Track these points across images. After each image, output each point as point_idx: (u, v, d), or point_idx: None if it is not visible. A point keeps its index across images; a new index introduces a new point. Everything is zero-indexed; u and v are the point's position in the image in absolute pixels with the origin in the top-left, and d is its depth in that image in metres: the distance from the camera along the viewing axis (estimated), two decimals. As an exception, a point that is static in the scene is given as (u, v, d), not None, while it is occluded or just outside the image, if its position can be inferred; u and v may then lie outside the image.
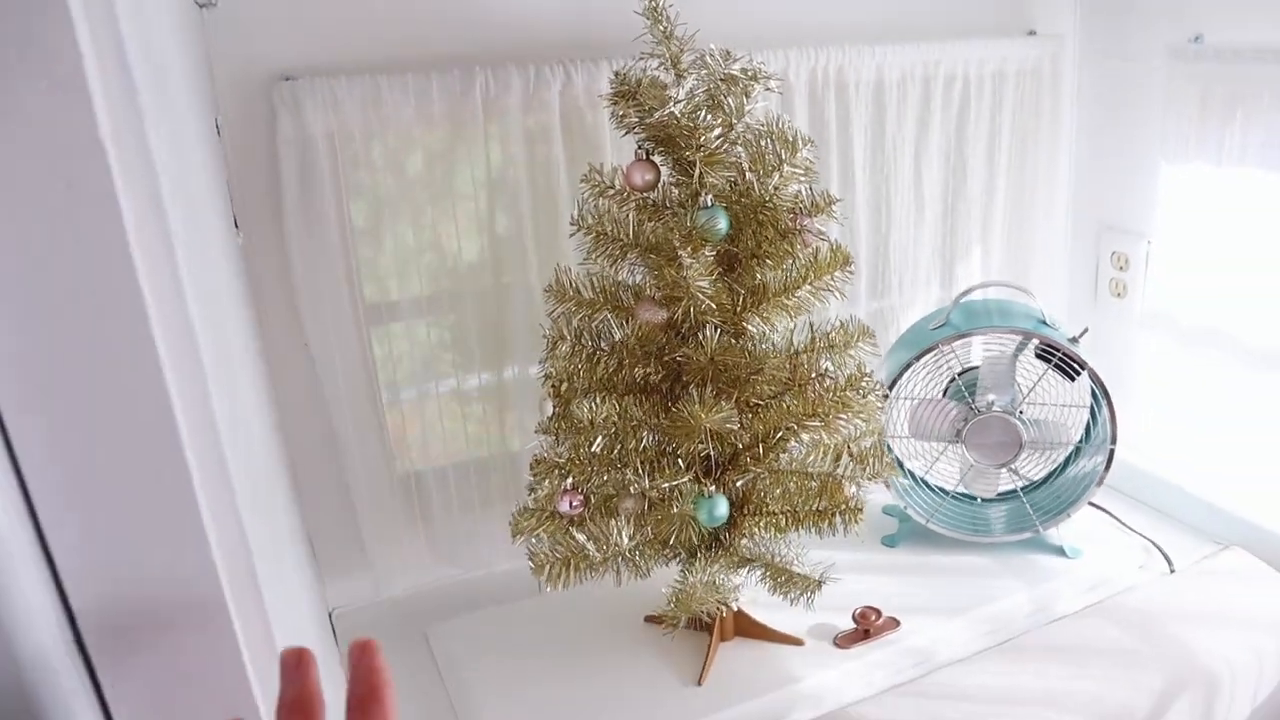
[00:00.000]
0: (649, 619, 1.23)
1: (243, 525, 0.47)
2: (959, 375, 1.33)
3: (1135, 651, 1.16)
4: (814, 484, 1.02)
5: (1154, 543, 1.39)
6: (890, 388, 1.30)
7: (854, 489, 1.01)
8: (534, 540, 1.04)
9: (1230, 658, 1.16)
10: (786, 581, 1.03)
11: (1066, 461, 1.39)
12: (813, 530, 1.03)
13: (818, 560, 1.06)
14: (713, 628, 1.17)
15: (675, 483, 0.98)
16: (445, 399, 1.30)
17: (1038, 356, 1.29)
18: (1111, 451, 1.31)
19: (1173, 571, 1.33)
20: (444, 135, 1.19)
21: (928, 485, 1.42)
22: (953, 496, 1.40)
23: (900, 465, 1.38)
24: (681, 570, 1.03)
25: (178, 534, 0.40)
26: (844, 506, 1.00)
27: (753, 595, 1.20)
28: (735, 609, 1.18)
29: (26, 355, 0.35)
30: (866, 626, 1.18)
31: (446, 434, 1.32)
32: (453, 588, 1.36)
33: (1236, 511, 1.40)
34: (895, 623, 1.20)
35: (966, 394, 1.32)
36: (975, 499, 1.41)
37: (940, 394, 1.34)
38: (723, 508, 0.98)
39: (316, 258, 1.16)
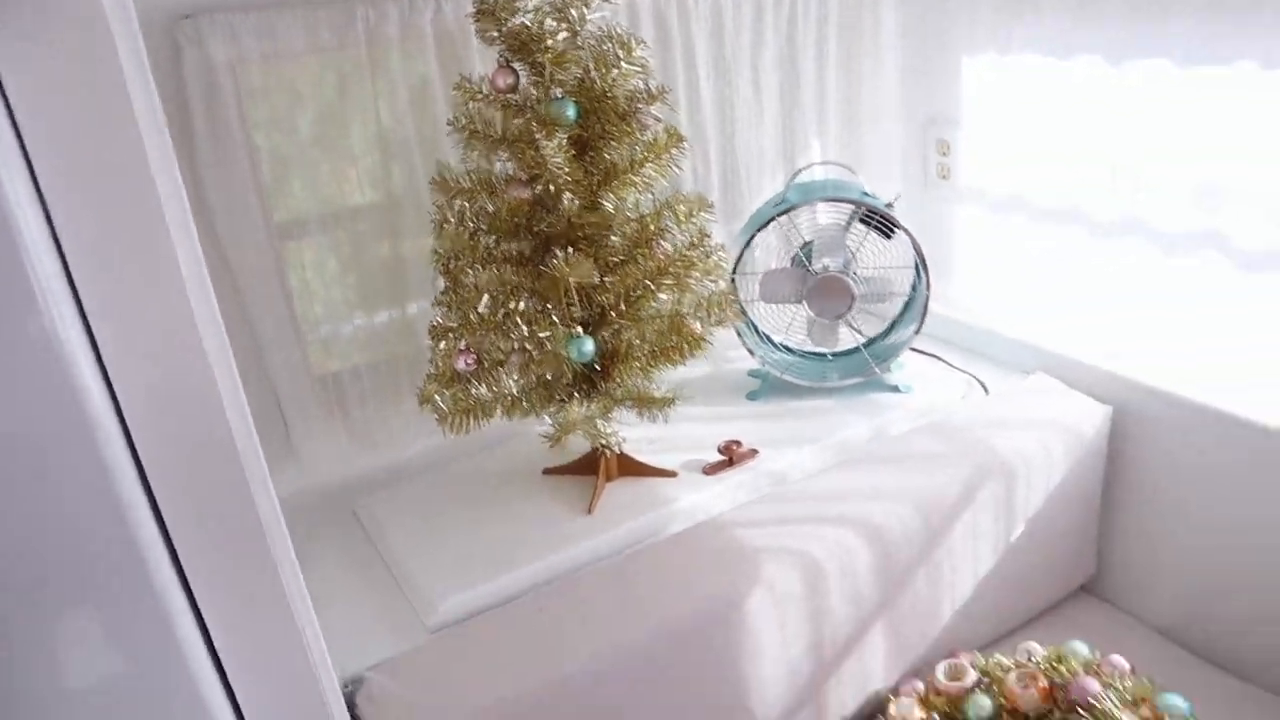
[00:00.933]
0: (547, 471, 1.43)
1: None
2: (801, 249, 1.56)
3: (949, 454, 1.40)
4: (665, 323, 1.22)
5: (974, 376, 1.64)
6: (742, 261, 1.52)
7: (698, 325, 1.22)
8: (438, 400, 1.23)
9: (1025, 452, 1.42)
10: (649, 404, 1.24)
11: (898, 319, 1.63)
12: (668, 363, 1.24)
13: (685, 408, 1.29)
14: (598, 469, 1.37)
15: (548, 334, 1.17)
16: (353, 303, 1.47)
17: (861, 222, 1.52)
18: (927, 299, 1.55)
19: (987, 394, 1.59)
20: (334, 63, 1.35)
21: (787, 348, 1.65)
22: (803, 355, 1.63)
23: (757, 329, 1.61)
24: (563, 407, 1.23)
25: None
26: (690, 339, 1.21)
27: (636, 445, 1.42)
28: (618, 452, 1.38)
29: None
30: (730, 455, 1.40)
31: (359, 334, 1.49)
32: (376, 470, 1.52)
33: (1041, 345, 1.65)
34: (755, 452, 1.42)
35: (806, 261, 1.54)
36: (825, 355, 1.65)
37: (788, 264, 1.56)
38: (589, 345, 1.18)
39: (228, 181, 1.31)
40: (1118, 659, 1.30)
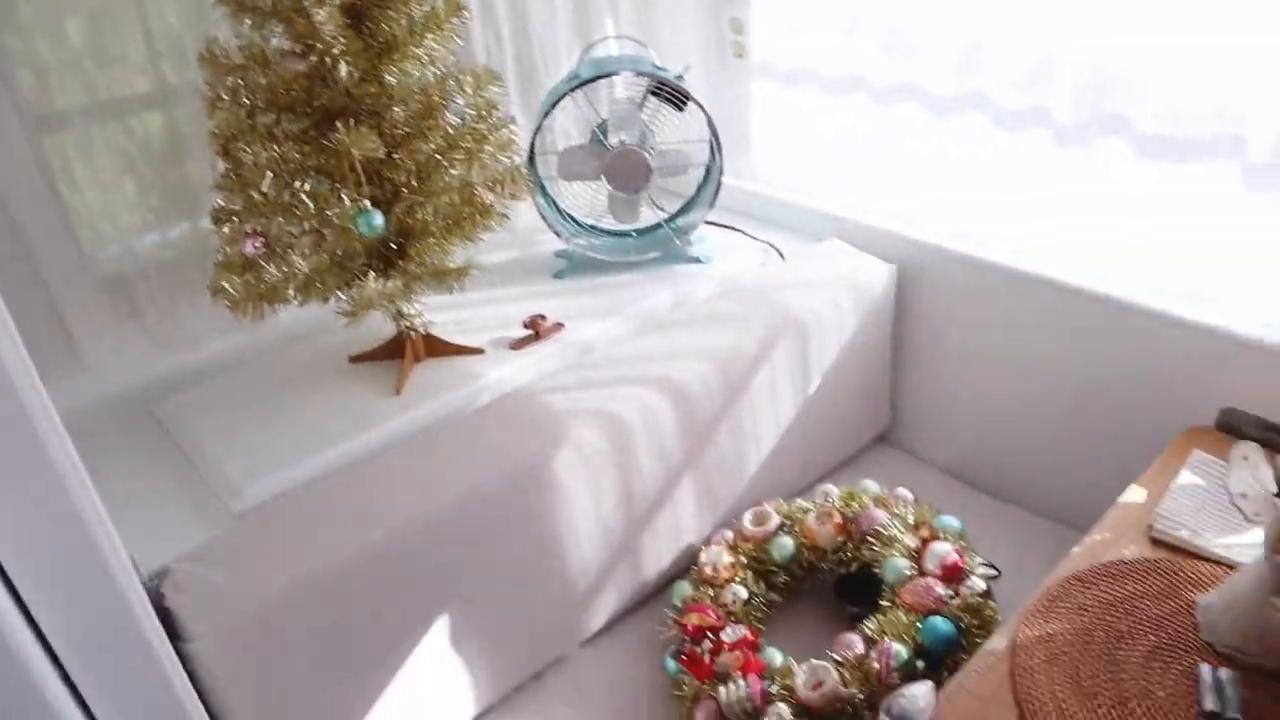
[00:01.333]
0: (353, 359, 1.41)
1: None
2: (598, 126, 1.57)
3: (745, 314, 1.46)
4: (457, 196, 1.22)
5: (771, 245, 1.71)
6: (539, 139, 1.52)
7: (490, 195, 1.23)
8: (228, 288, 1.19)
9: (816, 309, 1.50)
10: (445, 276, 1.24)
11: (696, 193, 1.68)
12: (464, 238, 1.24)
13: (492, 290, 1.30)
14: (404, 352, 1.37)
15: (336, 210, 1.15)
16: (132, 200, 1.40)
17: (653, 95, 1.54)
18: (721, 171, 1.60)
19: (784, 260, 1.66)
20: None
21: (591, 228, 1.67)
22: (607, 233, 1.66)
23: (559, 208, 1.62)
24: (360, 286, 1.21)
25: None
26: (482, 209, 1.22)
27: (444, 329, 1.42)
28: (423, 333, 1.38)
29: None
30: (536, 330, 1.42)
31: (143, 231, 1.42)
32: (177, 372, 1.46)
33: (833, 212, 1.74)
34: (560, 326, 1.45)
35: (603, 137, 1.56)
36: (628, 232, 1.68)
37: (585, 141, 1.58)
38: (378, 219, 1.17)
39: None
40: (903, 492, 1.42)
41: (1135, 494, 1.19)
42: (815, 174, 1.82)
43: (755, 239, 1.74)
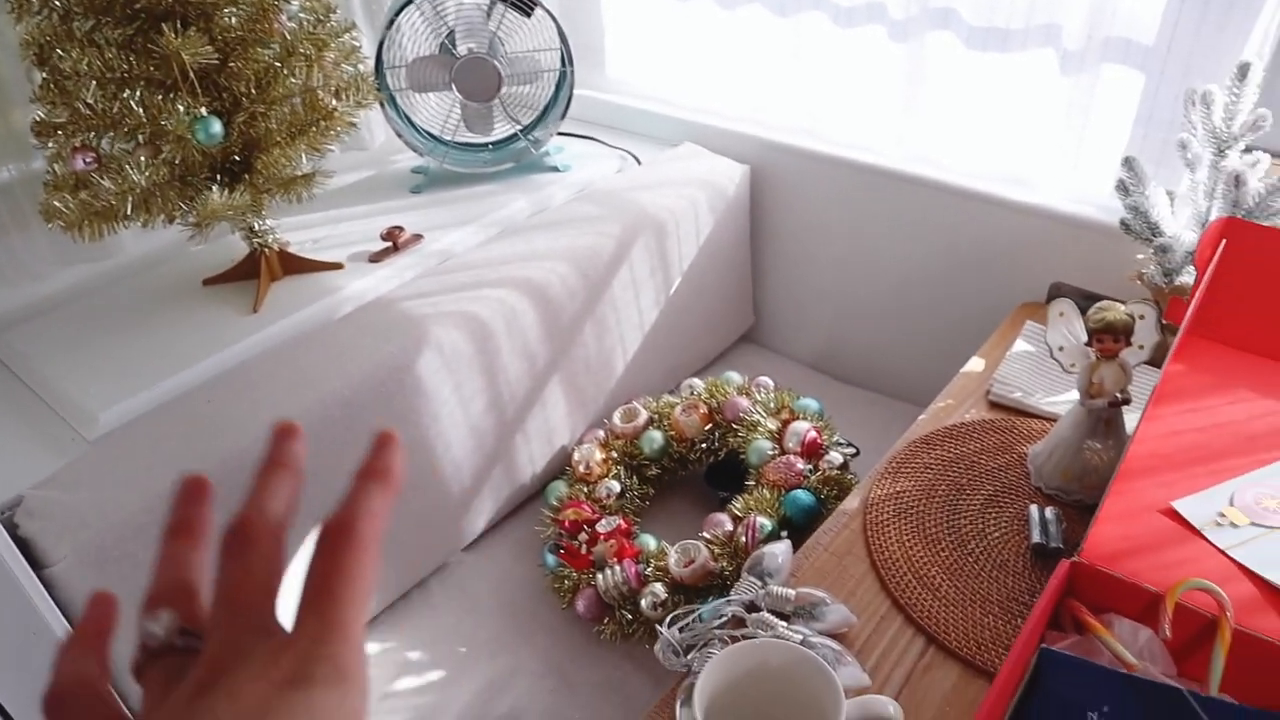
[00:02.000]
0: (207, 281, 1.38)
1: None
2: (446, 37, 1.55)
3: (603, 216, 1.48)
4: (300, 102, 1.19)
5: (628, 151, 1.72)
6: (388, 50, 1.49)
7: (333, 101, 1.20)
8: (60, 207, 1.14)
9: (673, 209, 1.52)
10: (292, 185, 1.22)
11: (551, 101, 1.67)
12: (310, 147, 1.21)
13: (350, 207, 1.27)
14: (260, 271, 1.34)
15: (170, 120, 1.11)
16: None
17: (499, 2, 1.52)
18: (572, 77, 1.59)
19: (640, 165, 1.68)
20: None
21: (449, 141, 1.65)
22: (463, 146, 1.65)
23: (413, 123, 1.59)
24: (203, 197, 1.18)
25: None
26: (325, 114, 1.19)
27: (301, 247, 1.39)
28: (278, 250, 1.35)
29: None
30: (394, 241, 1.41)
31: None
32: (17, 309, 1.39)
33: (688, 118, 1.76)
34: (419, 237, 1.44)
35: (452, 47, 1.53)
36: (486, 145, 1.67)
37: (435, 51, 1.55)
38: (216, 125, 1.13)
39: None
40: (764, 380, 1.47)
41: (975, 364, 1.27)
42: (670, 82, 1.84)
43: (612, 147, 1.75)
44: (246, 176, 1.23)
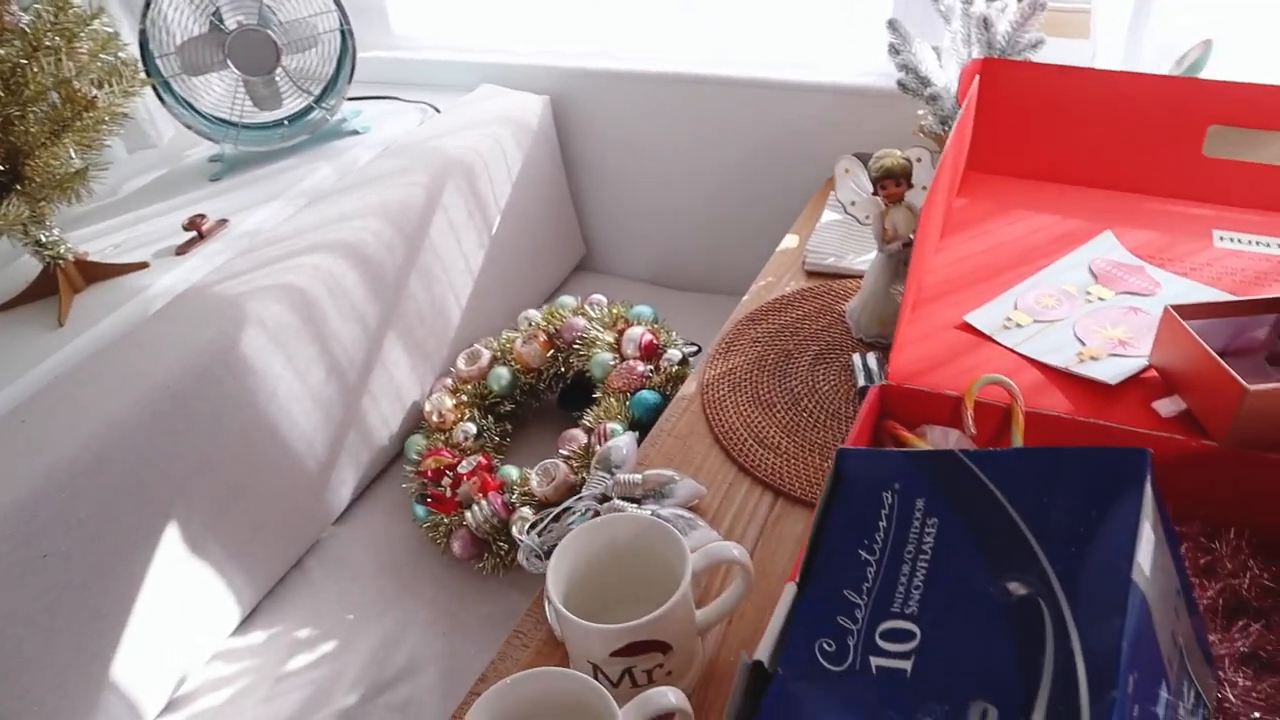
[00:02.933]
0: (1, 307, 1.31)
1: None
2: (213, 14, 1.49)
3: (408, 167, 1.47)
4: (57, 96, 1.14)
5: (427, 103, 1.71)
6: (151, 39, 1.43)
7: (94, 91, 1.15)
8: None
9: (479, 149, 1.52)
10: (66, 184, 1.17)
11: (338, 63, 1.63)
12: (80, 144, 1.16)
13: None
14: (59, 285, 1.28)
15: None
16: None
17: (258, -33, 1.48)
18: (352, 35, 1.57)
19: (439, 112, 1.67)
20: None
21: (240, 123, 1.60)
22: (257, 126, 1.60)
23: (197, 110, 1.54)
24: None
25: None
26: (86, 105, 1.15)
27: (101, 254, 1.34)
28: (74, 260, 1.30)
29: None
30: (199, 229, 1.37)
31: None
32: None
33: (482, 60, 1.75)
34: (224, 222, 1.40)
35: (220, 23, 1.48)
36: (281, 121, 1.62)
37: (205, 30, 1.50)
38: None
39: None
40: (597, 297, 1.49)
41: (790, 241, 1.32)
42: (458, 28, 1.82)
43: (410, 101, 1.73)
44: (18, 186, 1.17)
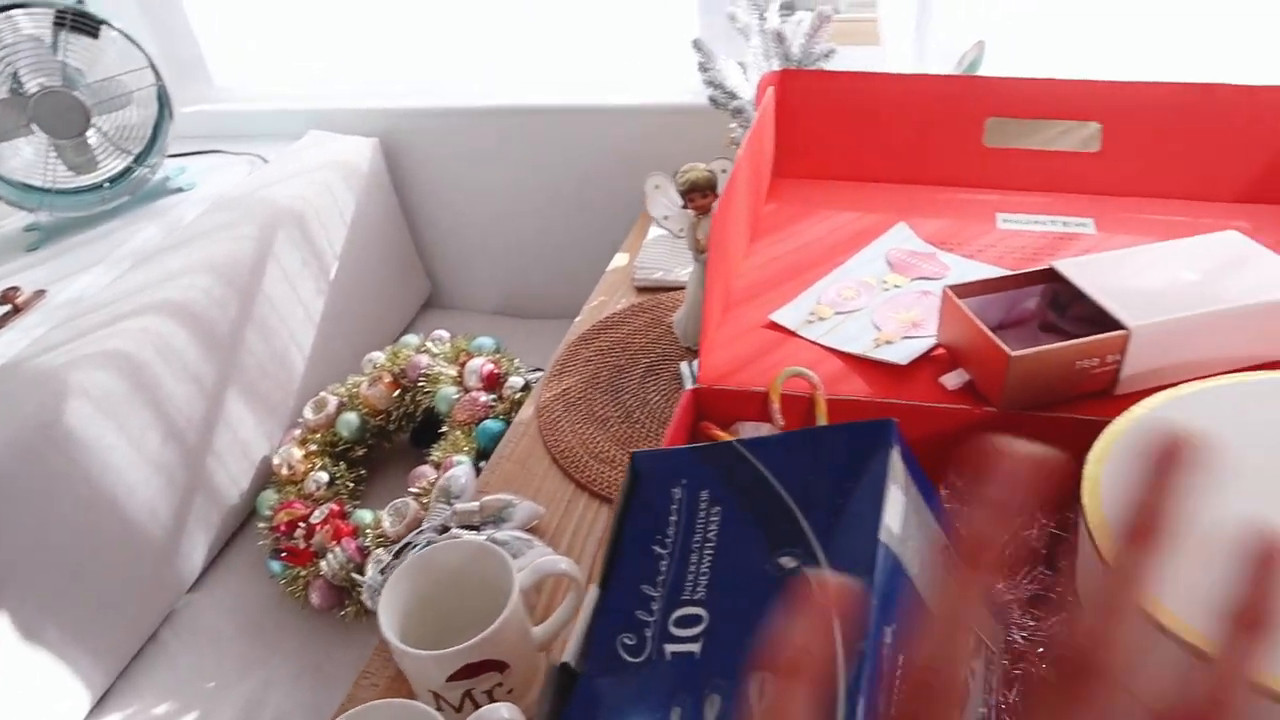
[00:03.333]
0: None
1: None
2: (12, 76, 1.45)
3: (235, 220, 1.45)
4: None
5: (254, 154, 1.69)
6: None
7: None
8: None
9: (308, 197, 1.51)
10: None
11: (158, 120, 1.60)
12: None
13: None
14: None
15: None
16: None
17: (58, 26, 1.44)
18: (165, 90, 1.54)
19: (267, 162, 1.65)
20: None
21: (56, 190, 1.55)
22: (76, 191, 1.55)
23: (8, 181, 1.49)
24: None
25: None
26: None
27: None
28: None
29: None
30: (11, 303, 1.32)
31: None
32: None
33: (310, 107, 1.74)
34: (42, 293, 1.36)
35: (20, 86, 1.44)
36: (101, 184, 1.58)
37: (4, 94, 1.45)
38: None
39: None
40: (439, 333, 1.50)
41: (619, 260, 1.36)
42: (283, 77, 1.81)
43: (236, 154, 1.70)
44: None
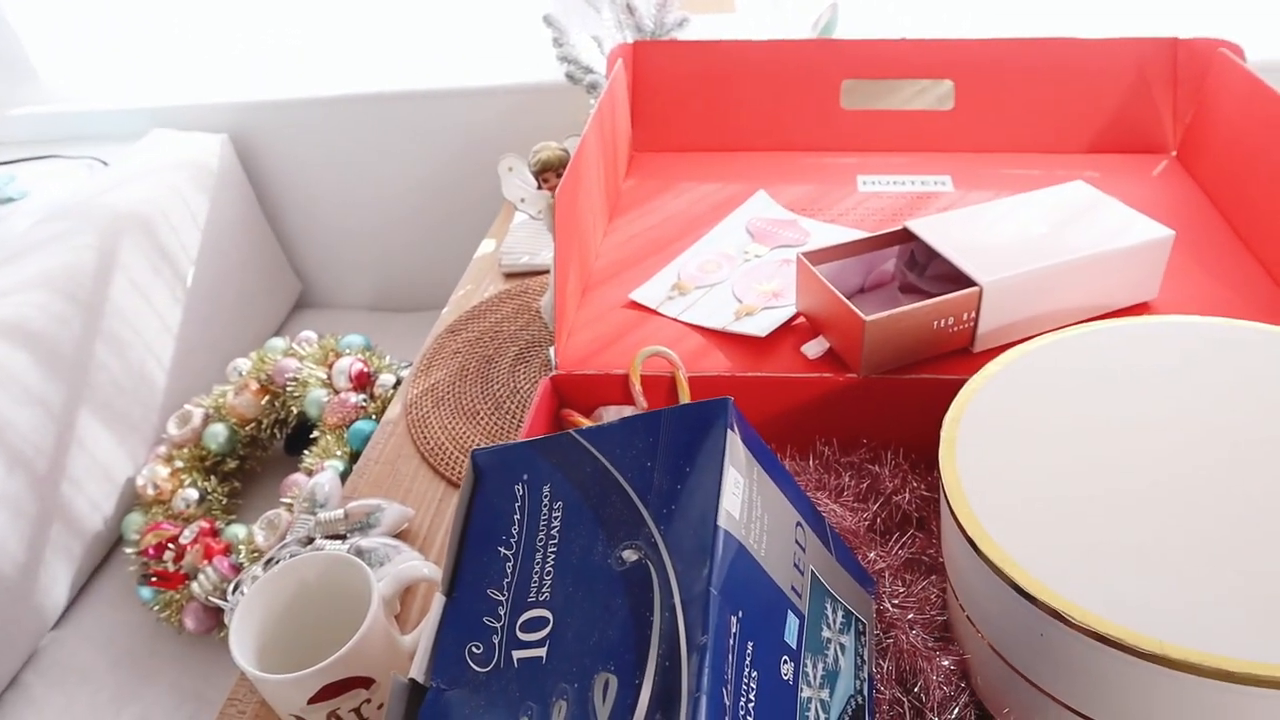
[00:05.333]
0: None
1: None
2: None
3: (73, 230, 1.36)
4: None
5: (94, 157, 1.59)
6: None
7: None
8: None
9: (153, 198, 1.43)
10: None
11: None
12: None
13: None
14: None
15: None
16: None
17: None
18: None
19: (106, 165, 1.56)
20: None
21: None
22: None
23: None
24: None
25: None
26: None
27: None
28: None
29: None
30: None
31: None
32: None
33: (152, 105, 1.65)
34: None
35: None
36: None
37: None
38: None
39: None
40: (307, 334, 1.44)
41: (486, 246, 1.32)
42: (120, 75, 1.71)
43: (73, 158, 1.60)
44: None
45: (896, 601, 0.66)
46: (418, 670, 0.53)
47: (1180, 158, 1.07)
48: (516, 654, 0.51)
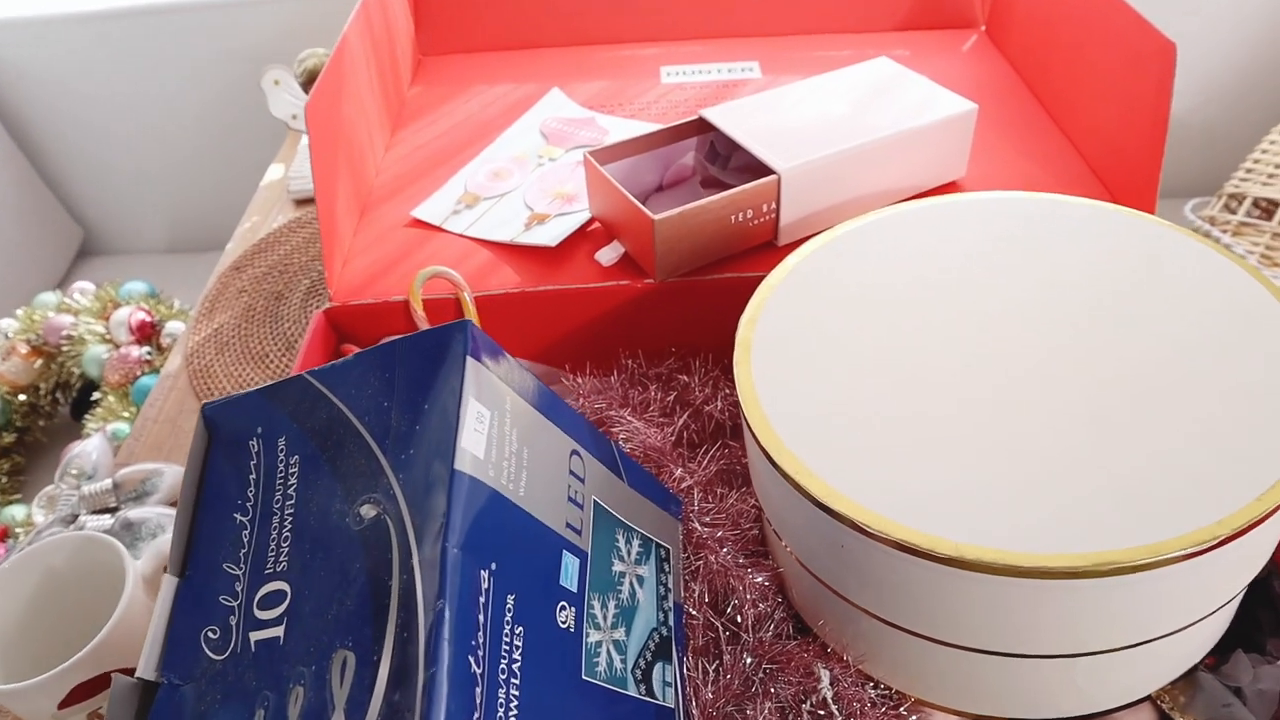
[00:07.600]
0: None
1: None
2: None
3: None
4: None
5: None
6: None
7: None
8: None
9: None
10: None
11: None
12: None
13: None
14: None
15: None
16: None
17: None
18: None
19: None
20: None
21: None
22: None
23: None
24: None
25: None
26: None
27: None
28: None
29: None
30: None
31: None
32: None
33: None
34: None
35: None
36: None
37: None
38: None
39: None
40: (83, 284, 1.30)
41: (274, 172, 1.20)
42: None
43: None
44: None
45: (706, 520, 0.61)
46: (146, 666, 0.46)
47: (989, 32, 1.04)
48: (254, 635, 0.44)
